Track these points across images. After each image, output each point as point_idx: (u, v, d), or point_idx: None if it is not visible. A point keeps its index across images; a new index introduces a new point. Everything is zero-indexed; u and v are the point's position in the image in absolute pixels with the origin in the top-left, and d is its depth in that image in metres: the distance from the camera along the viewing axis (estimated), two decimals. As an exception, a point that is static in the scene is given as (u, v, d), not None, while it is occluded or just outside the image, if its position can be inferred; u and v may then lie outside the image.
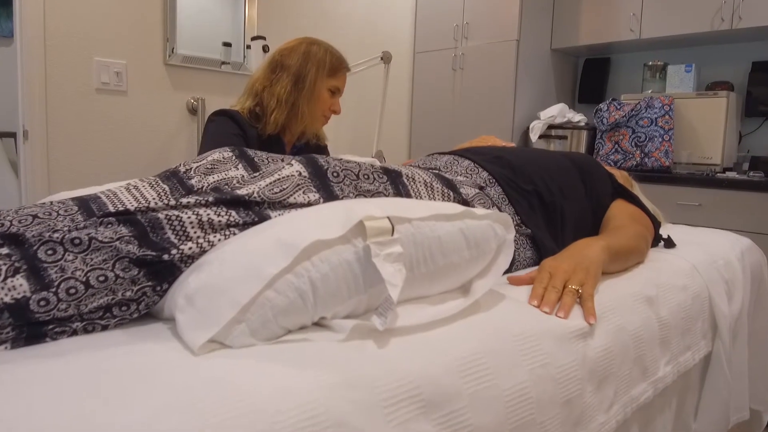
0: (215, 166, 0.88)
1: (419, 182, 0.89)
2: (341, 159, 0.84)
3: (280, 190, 0.73)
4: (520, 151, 1.28)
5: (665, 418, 1.06)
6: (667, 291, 1.04)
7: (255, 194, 0.71)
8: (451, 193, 0.92)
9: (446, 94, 3.40)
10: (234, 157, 0.92)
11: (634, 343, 0.90)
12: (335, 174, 0.79)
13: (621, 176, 1.60)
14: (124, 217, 0.63)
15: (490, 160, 1.17)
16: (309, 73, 1.53)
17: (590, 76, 3.32)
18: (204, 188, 0.84)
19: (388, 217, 0.66)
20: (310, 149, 1.66)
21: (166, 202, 0.67)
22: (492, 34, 3.15)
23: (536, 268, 1.05)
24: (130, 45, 2.36)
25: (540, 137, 3.04)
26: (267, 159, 0.95)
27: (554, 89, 3.33)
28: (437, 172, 1.03)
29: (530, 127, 3.08)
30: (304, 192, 0.74)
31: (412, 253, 0.67)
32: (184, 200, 0.67)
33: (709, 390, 1.21)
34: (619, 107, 2.78)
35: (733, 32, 2.60)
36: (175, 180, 0.85)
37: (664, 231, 1.44)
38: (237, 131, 1.47)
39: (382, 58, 2.96)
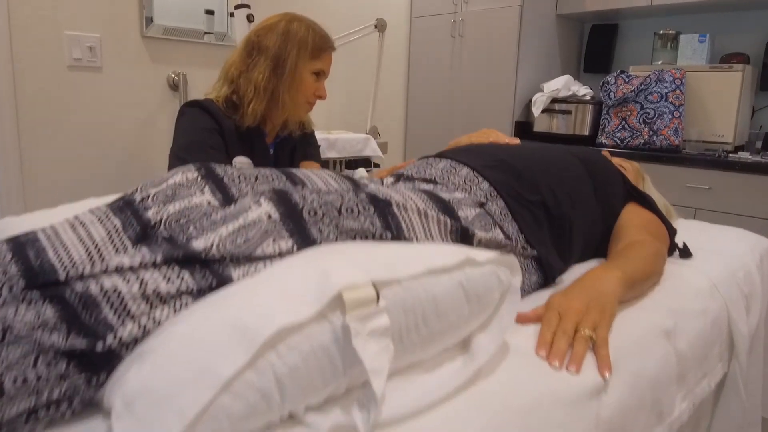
0: (177, 192, 0.77)
1: (411, 211, 0.78)
2: (320, 191, 0.73)
3: (245, 241, 0.61)
4: (525, 152, 1.16)
5: (678, 451, 0.99)
6: (685, 319, 0.94)
7: (214, 249, 0.59)
8: (449, 220, 0.81)
9: (444, 63, 3.22)
10: (199, 178, 0.80)
11: (651, 388, 0.81)
12: (312, 212, 0.68)
13: (632, 169, 1.48)
14: (51, 291, 0.52)
15: (491, 165, 1.05)
16: (289, 56, 1.37)
17: (597, 43, 3.14)
18: (163, 221, 0.73)
19: (373, 283, 0.55)
20: (294, 140, 1.53)
21: (103, 266, 0.56)
22: (494, -1, 2.96)
23: (543, 291, 0.96)
24: (104, 16, 2.18)
25: (543, 111, 2.89)
26: (238, 178, 0.84)
27: (559, 58, 3.15)
28: (431, 189, 0.91)
29: (533, 100, 2.93)
30: (274, 240, 0.63)
31: (401, 322, 0.57)
32: (127, 261, 0.56)
33: (722, 410, 1.14)
34: (627, 80, 2.62)
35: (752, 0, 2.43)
36: (129, 212, 0.74)
37: (677, 229, 1.34)
38: (211, 125, 1.34)
39: (376, 26, 2.78)
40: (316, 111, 1.51)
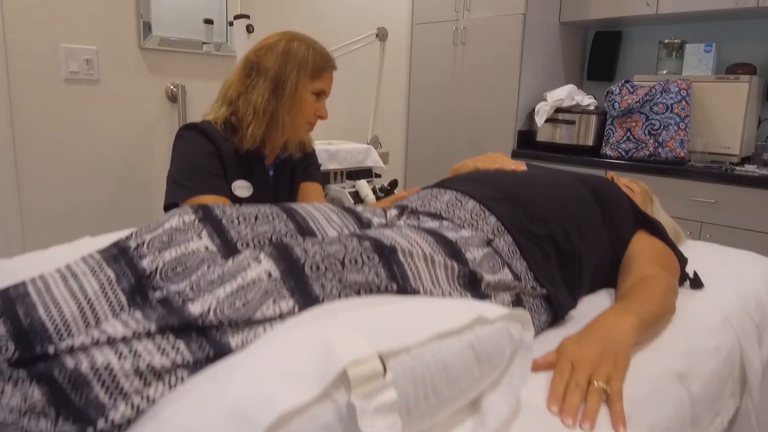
0: (173, 238, 0.74)
1: (417, 257, 0.75)
2: (324, 240, 0.70)
3: (243, 304, 0.58)
4: (532, 180, 1.13)
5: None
6: (698, 359, 0.92)
7: (211, 314, 0.56)
8: (456, 265, 0.78)
9: (446, 71, 3.19)
10: (197, 221, 0.77)
11: (666, 438, 0.78)
12: (314, 267, 0.65)
13: (640, 191, 1.45)
14: (39, 369, 0.49)
15: (498, 197, 1.02)
16: (289, 77, 1.33)
17: (600, 50, 3.10)
18: (158, 270, 0.70)
19: (379, 355, 0.52)
20: (294, 161, 1.50)
21: (96, 335, 0.53)
22: (497, 6, 2.92)
23: (553, 331, 0.93)
24: (101, 28, 2.15)
25: (546, 121, 2.85)
26: (237, 219, 0.81)
27: (562, 66, 3.12)
28: (437, 228, 0.88)
29: (536, 109, 2.89)
30: (274, 300, 0.60)
31: (409, 393, 0.54)
32: (121, 330, 0.53)
33: (734, 446, 1.11)
34: (632, 91, 2.59)
35: (759, 9, 2.39)
36: (124, 261, 0.71)
37: (685, 251, 1.30)
38: (209, 149, 1.30)
39: (377, 35, 2.74)
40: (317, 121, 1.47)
